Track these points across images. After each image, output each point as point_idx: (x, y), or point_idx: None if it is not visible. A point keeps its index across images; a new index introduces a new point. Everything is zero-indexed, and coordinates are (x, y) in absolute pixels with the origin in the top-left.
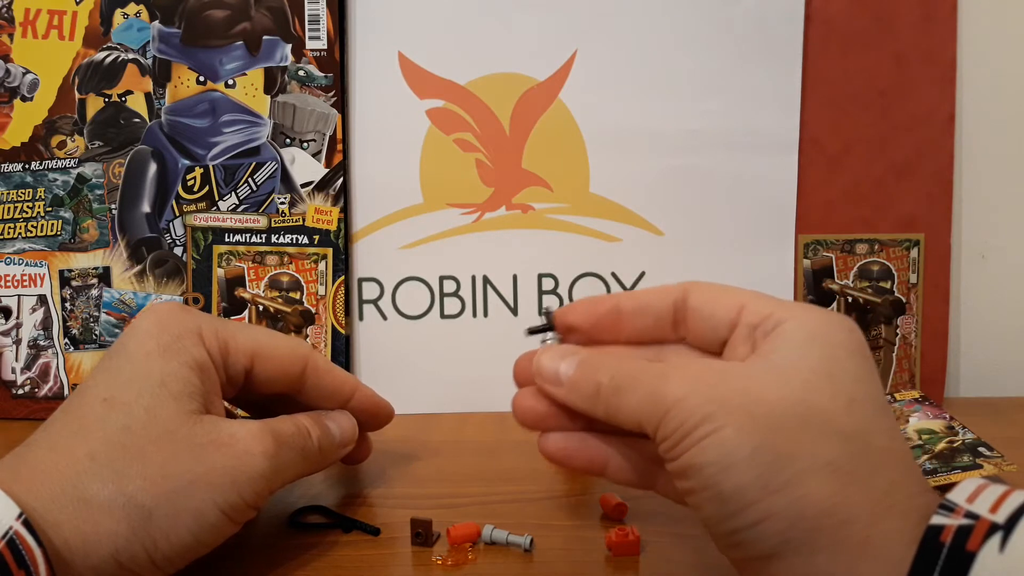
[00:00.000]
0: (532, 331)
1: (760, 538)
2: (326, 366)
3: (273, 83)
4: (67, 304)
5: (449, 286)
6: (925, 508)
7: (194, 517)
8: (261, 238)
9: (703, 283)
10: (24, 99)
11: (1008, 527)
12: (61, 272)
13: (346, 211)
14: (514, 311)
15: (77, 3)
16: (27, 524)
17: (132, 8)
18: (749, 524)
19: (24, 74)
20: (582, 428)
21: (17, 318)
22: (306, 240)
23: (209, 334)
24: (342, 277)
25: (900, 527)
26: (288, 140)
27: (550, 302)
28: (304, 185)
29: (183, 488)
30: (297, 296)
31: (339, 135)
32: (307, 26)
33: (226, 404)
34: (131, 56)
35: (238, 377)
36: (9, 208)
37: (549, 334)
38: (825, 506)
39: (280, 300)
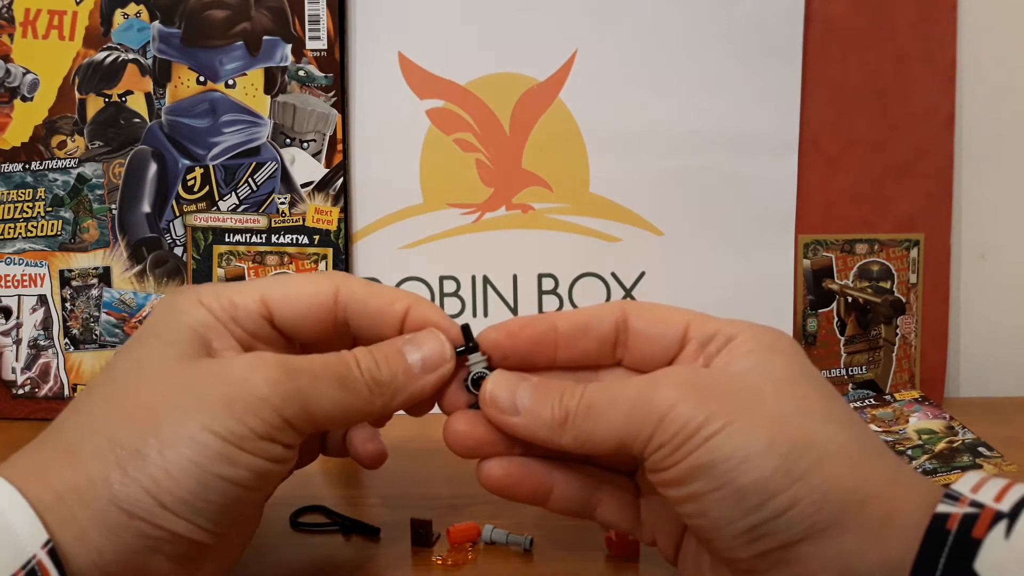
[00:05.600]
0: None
1: (787, 527)
2: (366, 289)
3: (273, 83)
4: (67, 304)
5: (449, 286)
6: (933, 484)
7: (191, 447)
8: (261, 238)
9: (640, 303)
10: (24, 99)
11: (1013, 515)
12: (61, 272)
13: (346, 211)
14: (514, 311)
15: (77, 3)
16: (52, 554)
17: (132, 8)
18: (775, 514)
19: (24, 74)
20: (520, 454)
21: (17, 318)
22: (306, 240)
23: (209, 297)
24: None
25: (918, 496)
26: (288, 140)
27: (468, 322)
28: (304, 185)
29: (173, 421)
30: None
31: (339, 135)
32: (307, 26)
33: None
34: (131, 56)
35: (260, 327)
36: (9, 208)
37: (476, 355)
38: (848, 485)
39: None
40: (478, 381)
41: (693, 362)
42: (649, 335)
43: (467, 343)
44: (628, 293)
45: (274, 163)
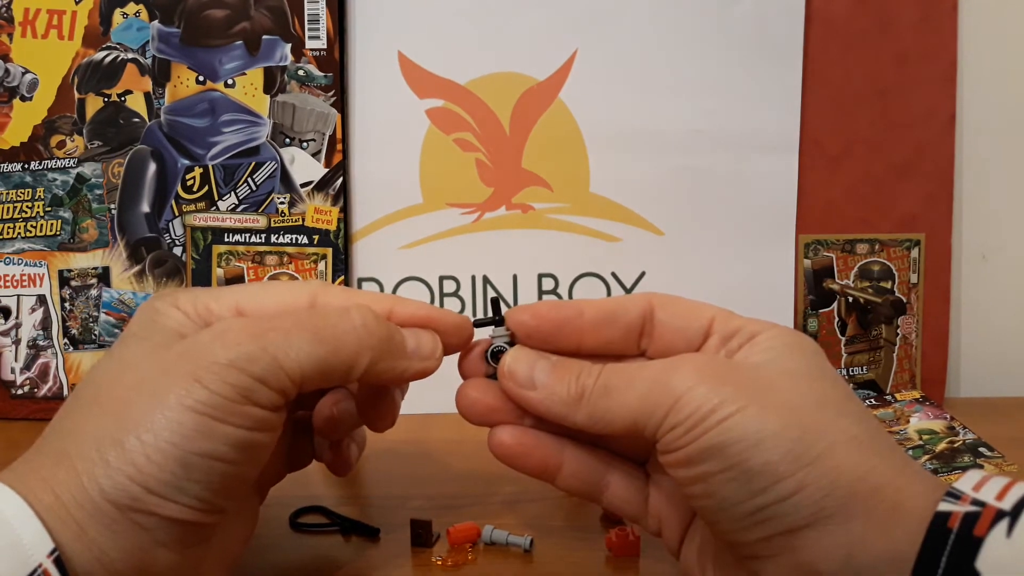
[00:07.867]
0: (478, 323)
1: (792, 510)
2: (344, 296)
3: (273, 83)
4: (66, 304)
5: (449, 286)
6: (940, 481)
7: (167, 427)
8: (261, 238)
9: (667, 295)
10: (23, 99)
11: (1015, 514)
12: (60, 272)
13: (346, 211)
14: None
15: (76, 3)
16: (58, 562)
17: (131, 8)
18: (781, 497)
19: (23, 74)
20: (531, 426)
21: (16, 318)
22: (306, 240)
23: (186, 302)
24: (342, 277)
25: (925, 492)
26: (288, 140)
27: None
28: (304, 185)
29: (146, 405)
30: None
31: (339, 135)
32: (307, 26)
33: None
34: (130, 56)
35: None
36: (8, 208)
37: (501, 330)
38: (858, 473)
39: None
40: (498, 354)
41: (717, 355)
42: (674, 327)
43: (494, 316)
44: (628, 293)
45: (273, 163)
